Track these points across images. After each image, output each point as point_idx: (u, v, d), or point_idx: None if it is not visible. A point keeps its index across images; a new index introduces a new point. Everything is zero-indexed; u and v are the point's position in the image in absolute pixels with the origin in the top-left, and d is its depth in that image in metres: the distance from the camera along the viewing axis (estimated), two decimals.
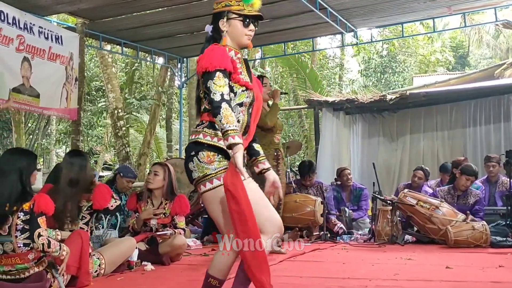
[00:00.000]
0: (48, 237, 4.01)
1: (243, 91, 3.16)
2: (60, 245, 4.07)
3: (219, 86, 2.98)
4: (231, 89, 3.10)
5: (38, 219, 3.96)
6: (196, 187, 3.17)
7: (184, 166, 3.19)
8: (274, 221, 3.12)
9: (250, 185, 3.03)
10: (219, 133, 2.99)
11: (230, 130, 2.87)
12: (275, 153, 6.68)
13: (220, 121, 2.89)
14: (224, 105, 2.92)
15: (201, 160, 3.08)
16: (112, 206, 4.92)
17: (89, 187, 4.86)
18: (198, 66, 3.08)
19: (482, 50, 30.59)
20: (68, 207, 4.70)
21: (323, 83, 20.28)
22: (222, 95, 2.96)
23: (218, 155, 3.09)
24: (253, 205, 2.93)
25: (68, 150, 20.38)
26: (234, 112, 3.01)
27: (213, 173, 3.07)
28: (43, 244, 3.92)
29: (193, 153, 3.11)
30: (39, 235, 3.93)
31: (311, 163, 8.83)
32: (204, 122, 3.16)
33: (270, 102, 6.87)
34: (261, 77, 6.18)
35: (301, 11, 9.06)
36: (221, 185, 2.98)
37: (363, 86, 24.32)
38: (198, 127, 3.17)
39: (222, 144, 3.03)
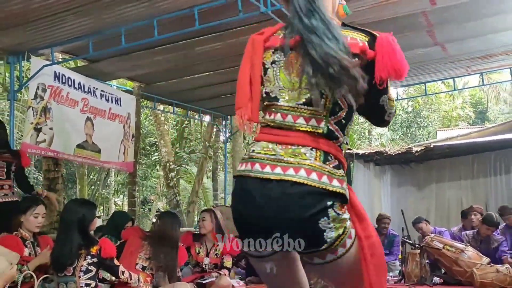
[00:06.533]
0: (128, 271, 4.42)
1: None
2: (138, 277, 4.49)
3: None
4: None
5: (112, 261, 4.25)
6: (326, 252, 1.93)
7: (297, 226, 1.88)
8: None
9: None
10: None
11: None
12: None
13: None
14: None
15: (337, 211, 1.91)
16: None
17: None
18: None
19: (500, 106, 30.11)
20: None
21: (354, 137, 20.23)
22: None
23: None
24: None
25: (125, 199, 20.62)
26: None
27: (349, 224, 1.96)
28: (127, 278, 4.35)
29: (329, 203, 1.90)
30: (123, 272, 4.30)
31: None
32: (332, 157, 1.97)
33: None
34: None
35: None
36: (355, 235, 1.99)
37: (391, 140, 24.10)
38: (325, 165, 1.93)
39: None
